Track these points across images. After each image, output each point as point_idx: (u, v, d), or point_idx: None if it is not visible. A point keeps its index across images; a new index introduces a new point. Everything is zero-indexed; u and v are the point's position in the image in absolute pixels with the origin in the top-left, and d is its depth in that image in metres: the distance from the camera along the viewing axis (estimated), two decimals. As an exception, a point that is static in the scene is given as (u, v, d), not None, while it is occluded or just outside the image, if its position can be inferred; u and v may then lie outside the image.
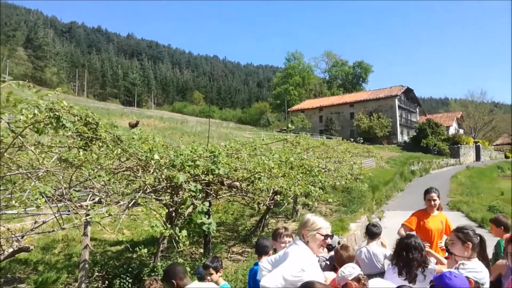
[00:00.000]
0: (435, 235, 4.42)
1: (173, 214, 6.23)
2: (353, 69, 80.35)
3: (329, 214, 12.64)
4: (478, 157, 47.93)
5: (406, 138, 50.01)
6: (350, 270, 2.98)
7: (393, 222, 12.18)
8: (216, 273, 3.91)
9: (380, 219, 14.01)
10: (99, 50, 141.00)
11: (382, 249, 4.27)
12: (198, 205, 4.57)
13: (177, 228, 4.58)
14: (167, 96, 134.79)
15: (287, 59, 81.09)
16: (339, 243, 4.78)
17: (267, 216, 10.19)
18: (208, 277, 3.92)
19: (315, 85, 75.57)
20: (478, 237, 3.12)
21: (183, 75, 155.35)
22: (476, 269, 2.86)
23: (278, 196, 7.04)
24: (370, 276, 3.78)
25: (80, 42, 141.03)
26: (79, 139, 4.77)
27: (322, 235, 2.74)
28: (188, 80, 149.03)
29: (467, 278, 2.71)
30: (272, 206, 9.14)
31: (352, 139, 15.87)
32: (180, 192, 5.34)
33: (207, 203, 4.74)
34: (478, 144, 49.78)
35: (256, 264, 3.66)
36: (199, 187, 4.82)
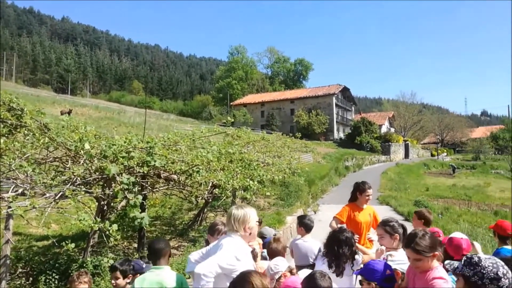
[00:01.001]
0: (364, 228, 4.63)
1: (105, 208, 5.95)
2: (295, 66, 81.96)
3: (267, 207, 12.82)
4: (407, 155, 51.15)
5: (342, 135, 52.05)
6: (277, 267, 3.08)
7: (327, 215, 12.62)
8: (124, 278, 3.42)
9: (315, 212, 14.48)
10: (30, 33, 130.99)
11: (316, 242, 4.38)
12: (131, 198, 4.39)
13: (107, 222, 4.36)
14: (104, 85, 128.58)
15: (231, 53, 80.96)
16: (275, 235, 4.85)
17: (206, 210, 10.11)
18: (113, 281, 3.45)
19: (257, 80, 76.18)
20: (402, 228, 3.32)
21: (121, 63, 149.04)
22: (403, 261, 3.02)
23: (217, 189, 6.99)
24: (303, 267, 3.87)
25: (9, 23, 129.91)
26: (1, 125, 4.41)
27: (259, 222, 2.85)
28: (127, 69, 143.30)
29: (395, 270, 2.86)
30: (210, 200, 9.08)
31: (291, 134, 16.15)
32: (112, 184, 5.10)
33: (140, 197, 4.57)
34: (407, 142, 53.09)
35: None
36: (133, 179, 4.62)
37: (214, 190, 7.23)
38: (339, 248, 3.22)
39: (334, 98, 52.10)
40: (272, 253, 3.70)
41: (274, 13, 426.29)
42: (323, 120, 49.15)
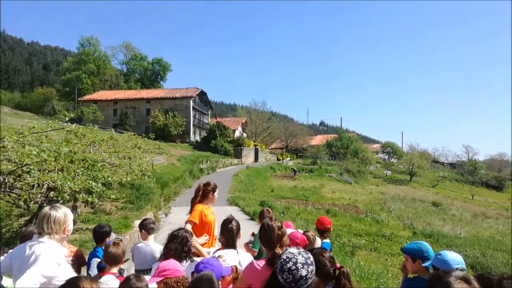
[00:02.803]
0: (212, 227, 4.75)
1: None
2: (152, 65, 79.57)
3: (114, 211, 12.09)
4: (256, 158, 54.48)
5: (198, 138, 52.60)
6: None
7: (178, 217, 12.59)
8: None
9: (167, 215, 14.29)
10: None
11: (158, 245, 4.31)
12: None
13: None
14: None
15: (81, 44, 74.00)
16: (115, 240, 4.60)
17: (40, 215, 8.98)
18: None
19: (111, 76, 71.40)
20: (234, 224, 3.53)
21: None
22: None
23: (52, 192, 6.29)
24: (142, 271, 3.76)
25: None
26: None
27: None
28: None
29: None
30: (45, 204, 8.14)
31: (144, 135, 15.61)
32: None
33: None
34: (257, 147, 56.57)
35: None
36: None
37: (50, 193, 6.51)
38: (170, 243, 3.30)
39: (191, 101, 52.33)
40: (111, 258, 3.50)
41: (134, 9, 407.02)
42: (180, 122, 48.94)
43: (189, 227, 4.60)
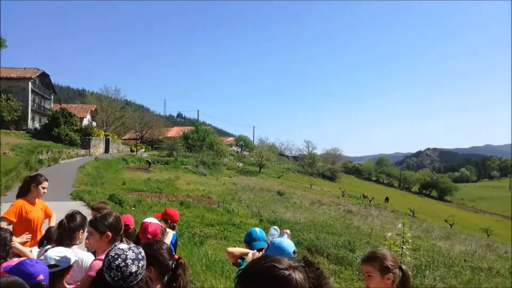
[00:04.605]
0: (38, 224, 4.26)
1: None
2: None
3: None
4: (107, 149, 51.14)
5: (37, 125, 46.76)
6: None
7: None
8: None
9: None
10: None
11: None
12: None
13: None
14: None
15: None
16: None
17: None
18: None
19: None
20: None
21: None
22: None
23: None
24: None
25: None
26: None
27: None
28: None
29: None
30: None
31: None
32: None
33: None
34: (108, 137, 53.11)
35: None
36: None
37: None
38: None
39: (30, 83, 46.07)
40: None
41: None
42: (15, 107, 42.48)
43: (3, 224, 4.02)
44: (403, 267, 2.44)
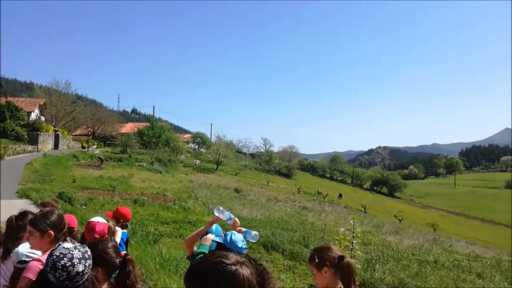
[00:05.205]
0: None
1: None
2: None
3: None
4: (56, 146, 48.92)
5: (-21, 119, 43.89)
6: None
7: None
8: None
9: None
10: None
11: None
12: None
13: None
14: None
15: None
16: None
17: None
18: None
19: None
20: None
21: None
22: None
23: None
24: None
25: None
26: None
27: None
28: None
29: None
30: None
31: None
32: None
33: None
34: (57, 132, 50.83)
35: None
36: None
37: None
38: None
39: (-31, 74, 43.19)
40: None
41: None
42: (-47, 99, 39.85)
43: None
44: (346, 258, 2.53)
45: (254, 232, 3.07)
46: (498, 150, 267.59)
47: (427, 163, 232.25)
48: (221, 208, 3.25)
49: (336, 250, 2.58)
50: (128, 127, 76.74)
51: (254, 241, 3.08)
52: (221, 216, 3.15)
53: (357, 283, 2.60)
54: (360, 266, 7.25)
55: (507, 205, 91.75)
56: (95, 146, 58.96)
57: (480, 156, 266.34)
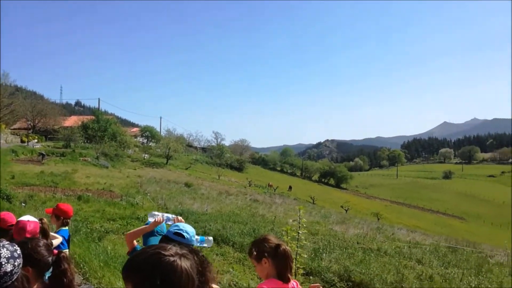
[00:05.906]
0: None
1: None
2: None
3: None
4: (-8, 140, 45.83)
5: None
6: None
7: None
8: None
9: None
10: None
11: None
12: None
13: None
14: None
15: None
16: None
17: None
18: None
19: None
20: None
21: None
22: None
23: None
24: None
25: None
26: None
27: None
28: None
29: None
30: None
31: None
32: None
33: None
34: (-6, 126, 47.61)
35: None
36: None
37: None
38: None
39: None
40: None
41: None
42: None
43: None
44: (282, 246, 2.59)
45: (210, 238, 3.05)
46: (437, 142, 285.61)
47: (371, 155, 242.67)
48: (154, 212, 3.18)
49: (273, 239, 2.63)
50: (72, 120, 73.21)
51: (209, 246, 3.05)
52: (157, 220, 3.09)
53: (303, 272, 2.68)
54: (306, 256, 7.47)
55: (445, 195, 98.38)
56: (36, 141, 55.75)
57: (420, 149, 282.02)
